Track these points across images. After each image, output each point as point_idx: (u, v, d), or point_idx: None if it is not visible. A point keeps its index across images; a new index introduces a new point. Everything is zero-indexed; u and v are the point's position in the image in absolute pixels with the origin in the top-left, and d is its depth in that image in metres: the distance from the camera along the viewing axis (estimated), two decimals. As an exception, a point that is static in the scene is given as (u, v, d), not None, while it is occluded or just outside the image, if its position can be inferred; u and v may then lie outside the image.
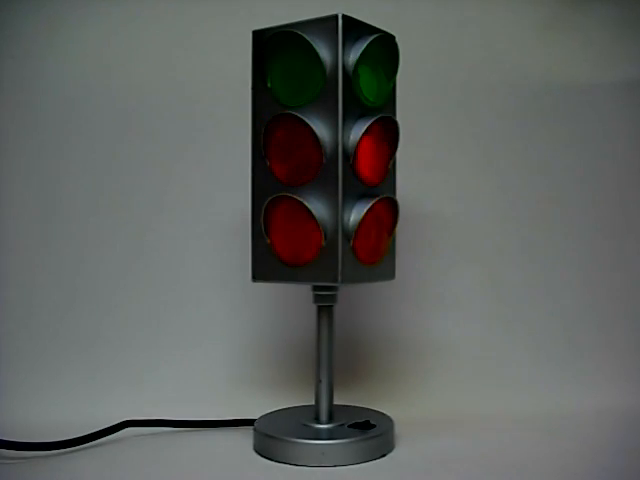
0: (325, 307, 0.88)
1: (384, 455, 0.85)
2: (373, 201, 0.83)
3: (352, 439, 0.83)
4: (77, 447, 0.88)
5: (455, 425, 0.98)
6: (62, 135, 1.12)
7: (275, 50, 0.83)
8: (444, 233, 1.13)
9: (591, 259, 1.15)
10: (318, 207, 0.81)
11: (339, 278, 0.81)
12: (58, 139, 1.12)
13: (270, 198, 0.83)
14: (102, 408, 1.01)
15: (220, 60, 1.12)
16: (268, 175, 0.84)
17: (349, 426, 0.87)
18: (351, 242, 0.82)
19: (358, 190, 0.83)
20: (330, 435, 0.85)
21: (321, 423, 0.88)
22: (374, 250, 0.87)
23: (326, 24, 0.80)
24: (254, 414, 0.93)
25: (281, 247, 0.85)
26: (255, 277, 0.87)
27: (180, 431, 0.96)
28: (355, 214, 0.82)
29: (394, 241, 0.90)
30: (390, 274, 0.90)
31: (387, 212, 0.87)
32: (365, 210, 0.82)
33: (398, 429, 0.90)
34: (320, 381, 0.88)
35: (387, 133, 0.86)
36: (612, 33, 1.16)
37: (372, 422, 0.88)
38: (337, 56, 0.80)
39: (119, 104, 1.12)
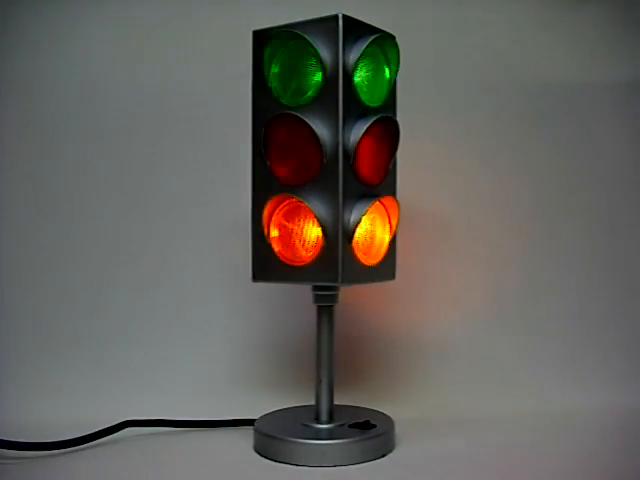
0: (325, 307, 0.88)
1: (384, 455, 0.85)
2: (373, 201, 0.83)
3: (352, 439, 0.83)
4: (77, 447, 0.88)
5: (455, 425, 0.98)
6: (62, 135, 1.12)
7: (275, 50, 0.83)
8: (444, 233, 1.13)
9: (591, 259, 1.15)
10: (318, 207, 0.81)
11: (339, 278, 0.81)
12: (58, 139, 1.12)
13: (270, 198, 0.83)
14: (102, 408, 1.01)
15: (220, 60, 1.12)
16: (268, 175, 0.84)
17: (349, 426, 0.87)
18: (351, 242, 0.82)
19: (358, 190, 0.83)
20: (330, 435, 0.85)
21: (321, 423, 0.88)
22: (374, 250, 0.87)
23: (326, 24, 0.80)
24: (254, 414, 0.93)
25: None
26: (255, 277, 0.87)
27: (180, 431, 0.96)
28: (355, 214, 0.82)
29: (394, 241, 0.90)
30: (390, 274, 0.90)
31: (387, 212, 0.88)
32: (365, 210, 0.82)
33: (398, 429, 0.90)
34: (320, 381, 0.88)
35: (387, 133, 0.85)
36: (612, 33, 1.16)
37: (372, 422, 0.88)
38: (337, 56, 0.80)
39: (118, 104, 1.12)
